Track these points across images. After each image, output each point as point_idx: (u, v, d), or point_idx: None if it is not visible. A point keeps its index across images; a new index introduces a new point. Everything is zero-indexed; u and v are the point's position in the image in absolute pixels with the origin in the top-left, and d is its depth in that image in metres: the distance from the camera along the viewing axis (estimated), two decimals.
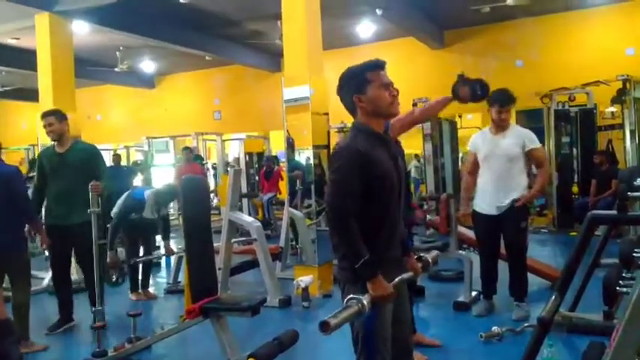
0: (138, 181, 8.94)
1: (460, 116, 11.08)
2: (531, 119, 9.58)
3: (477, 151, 4.11)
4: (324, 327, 1.67)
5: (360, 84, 2.02)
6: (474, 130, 13.52)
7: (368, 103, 2.01)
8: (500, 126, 4.02)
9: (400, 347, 2.08)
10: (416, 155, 12.34)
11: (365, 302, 1.79)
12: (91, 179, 3.95)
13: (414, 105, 8.38)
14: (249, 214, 8.94)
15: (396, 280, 1.96)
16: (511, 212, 3.93)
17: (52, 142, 4.30)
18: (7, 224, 3.71)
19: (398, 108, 2.07)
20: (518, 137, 4.00)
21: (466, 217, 4.27)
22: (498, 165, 3.97)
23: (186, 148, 8.99)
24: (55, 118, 4.23)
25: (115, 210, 4.97)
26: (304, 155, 5.79)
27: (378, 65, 2.05)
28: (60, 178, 4.18)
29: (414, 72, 10.92)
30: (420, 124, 9.08)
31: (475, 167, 4.14)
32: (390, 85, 2.04)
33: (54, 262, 4.37)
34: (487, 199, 4.02)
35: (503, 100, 3.94)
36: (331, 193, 1.96)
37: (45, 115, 4.29)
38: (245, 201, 9.89)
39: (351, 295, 1.82)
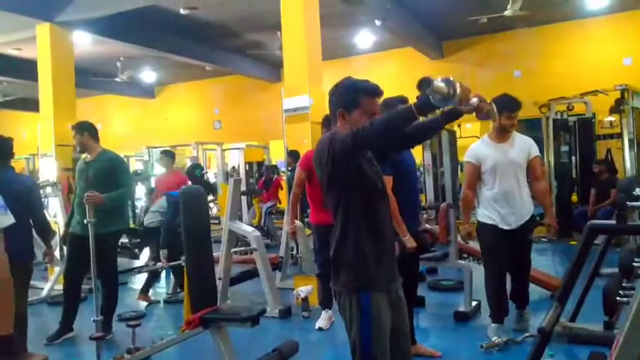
0: (138, 191, 8.94)
1: (459, 125, 11.12)
2: (530, 129, 9.58)
3: (482, 162, 3.80)
4: (424, 82, 1.70)
5: (350, 102, 2.03)
6: (473, 139, 13.63)
7: (348, 122, 2.03)
8: (504, 134, 3.80)
9: (399, 358, 2.07)
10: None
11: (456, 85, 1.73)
12: (114, 188, 3.95)
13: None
14: (249, 224, 8.93)
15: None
16: (526, 225, 3.78)
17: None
18: (21, 234, 3.68)
19: None
20: (523, 145, 3.83)
21: (470, 234, 3.95)
22: (509, 175, 3.75)
23: (166, 153, 6.51)
24: (76, 131, 4.32)
25: (157, 218, 5.04)
26: None
27: (374, 92, 2.06)
28: (82, 186, 4.19)
29: (413, 82, 10.88)
30: None
31: (476, 180, 3.85)
32: (374, 115, 2.04)
33: (69, 273, 4.32)
34: (499, 212, 3.76)
35: (513, 105, 3.76)
36: (346, 139, 1.92)
37: (72, 128, 4.44)
38: (244, 207, 9.88)
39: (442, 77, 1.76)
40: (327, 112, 2.13)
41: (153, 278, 5.68)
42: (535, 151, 3.85)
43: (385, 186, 2.12)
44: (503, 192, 3.74)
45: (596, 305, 2.81)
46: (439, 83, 1.74)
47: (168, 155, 6.38)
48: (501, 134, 3.81)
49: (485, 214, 3.81)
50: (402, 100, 3.49)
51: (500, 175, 3.75)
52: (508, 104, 3.72)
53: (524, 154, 3.79)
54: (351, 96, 2.03)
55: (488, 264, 3.87)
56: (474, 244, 4.57)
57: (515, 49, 10.32)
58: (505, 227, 3.74)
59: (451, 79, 1.75)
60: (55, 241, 5.28)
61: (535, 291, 4.63)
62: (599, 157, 8.46)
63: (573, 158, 8.63)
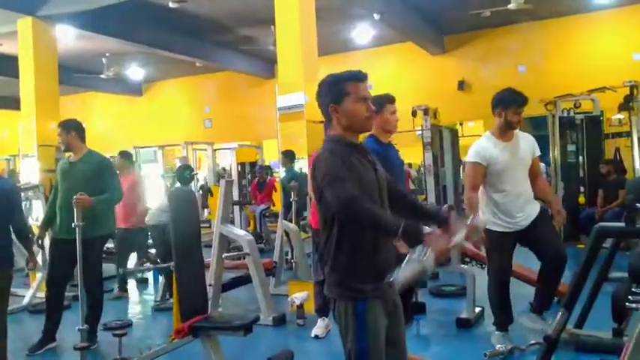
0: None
1: (461, 124, 11.16)
2: (535, 127, 9.63)
3: (490, 163, 3.66)
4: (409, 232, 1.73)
5: (338, 94, 2.05)
6: (477, 138, 13.67)
7: (342, 115, 2.04)
8: (510, 131, 3.71)
9: None
10: (409, 165, 12.37)
11: (427, 258, 1.76)
12: (100, 192, 3.93)
13: (414, 113, 8.43)
14: (240, 227, 8.93)
15: (457, 237, 1.92)
16: (540, 215, 3.70)
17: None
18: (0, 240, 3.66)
19: (372, 124, 2.13)
20: (529, 143, 3.77)
21: (483, 238, 3.67)
22: (519, 176, 3.69)
23: (121, 154, 6.24)
24: (62, 130, 4.31)
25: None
26: (298, 165, 5.81)
27: (358, 77, 2.07)
28: (67, 188, 4.15)
29: (413, 78, 11.00)
30: (420, 132, 9.14)
31: (481, 182, 3.71)
32: (367, 100, 2.06)
33: (51, 279, 4.28)
34: (509, 216, 3.67)
35: (520, 99, 3.66)
36: (333, 196, 1.91)
37: (58, 126, 4.42)
38: (237, 213, 9.88)
39: (412, 249, 1.80)
40: None
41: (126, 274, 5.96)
42: (538, 149, 3.82)
43: (384, 191, 2.10)
44: (514, 194, 3.66)
45: (605, 311, 2.82)
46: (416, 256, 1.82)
47: (123, 157, 6.20)
48: (507, 132, 3.71)
49: (492, 220, 3.67)
50: (389, 98, 3.50)
51: (510, 176, 3.67)
52: (515, 99, 3.65)
53: (530, 152, 3.76)
54: (336, 87, 2.06)
55: (494, 270, 3.82)
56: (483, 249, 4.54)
57: (519, 44, 10.36)
58: (515, 229, 3.67)
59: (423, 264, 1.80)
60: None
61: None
62: (607, 157, 8.49)
63: (580, 158, 8.65)
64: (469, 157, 3.74)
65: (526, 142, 3.78)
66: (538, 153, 3.82)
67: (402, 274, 1.73)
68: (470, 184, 3.76)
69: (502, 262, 3.78)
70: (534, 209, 3.73)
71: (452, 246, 1.86)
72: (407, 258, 1.81)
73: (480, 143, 3.78)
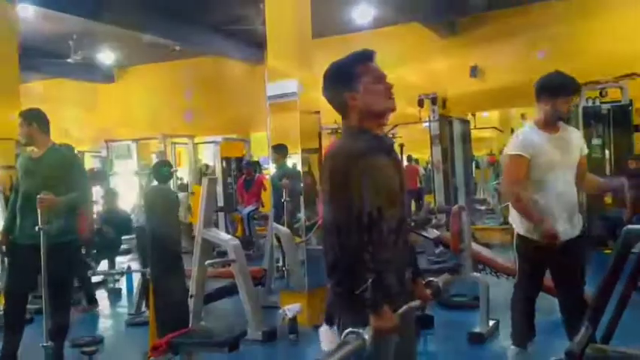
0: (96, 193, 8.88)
1: (474, 114, 11.18)
2: None
3: (534, 156, 3.49)
4: None
5: (350, 80, 2.03)
6: (491, 131, 13.74)
7: (361, 101, 2.03)
8: (557, 122, 3.56)
9: None
10: (409, 157, 12.45)
11: (366, 337, 1.77)
12: (66, 191, 3.93)
13: (420, 102, 8.44)
14: (227, 231, 8.93)
15: (402, 309, 1.95)
16: (577, 241, 3.58)
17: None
18: None
19: (394, 103, 2.07)
20: (576, 138, 3.64)
21: (556, 235, 3.42)
22: (566, 174, 3.54)
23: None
24: (23, 120, 4.22)
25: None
26: (291, 161, 5.80)
27: (366, 56, 2.07)
28: (29, 186, 4.10)
29: (420, 64, 11.00)
30: (427, 124, 9.17)
31: (523, 177, 3.51)
32: (383, 78, 2.06)
33: (11, 290, 4.22)
34: (555, 224, 3.47)
35: (573, 85, 3.55)
36: (330, 206, 1.94)
37: (18, 117, 4.31)
38: (222, 215, 9.88)
39: (350, 329, 1.80)
40: (320, 97, 2.13)
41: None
42: (585, 146, 3.70)
43: (405, 197, 2.11)
44: (558, 197, 3.50)
45: (634, 324, 2.85)
46: None
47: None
48: (554, 123, 3.56)
49: (528, 226, 3.54)
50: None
51: (556, 173, 3.51)
52: (565, 85, 3.53)
53: (578, 149, 3.62)
54: (346, 74, 2.05)
55: (524, 283, 3.75)
56: (499, 255, 4.57)
57: (539, 25, 10.36)
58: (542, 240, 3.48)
59: None
60: None
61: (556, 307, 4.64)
62: (637, 152, 8.52)
63: (607, 152, 8.69)
64: (510, 148, 3.60)
65: (575, 138, 3.65)
66: (586, 151, 3.69)
67: (335, 354, 1.73)
68: (512, 178, 3.62)
69: (535, 276, 3.68)
70: (577, 224, 3.60)
71: (395, 324, 1.88)
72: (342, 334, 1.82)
73: (523, 133, 3.65)
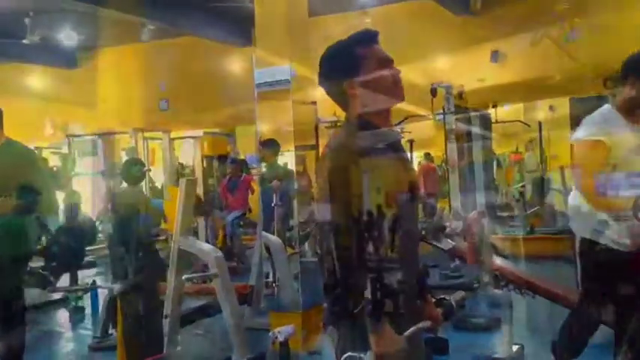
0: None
1: (495, 106, 11.19)
2: (590, 111, 9.67)
3: (614, 146, 3.36)
4: None
5: (351, 65, 2.02)
6: (515, 125, 13.73)
7: (363, 90, 2.03)
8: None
9: None
10: (426, 154, 12.47)
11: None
12: (23, 193, 3.91)
13: (433, 92, 8.45)
14: (207, 240, 8.92)
15: (409, 331, 1.96)
16: None
17: None
18: None
19: (402, 92, 2.06)
20: None
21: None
22: None
23: None
24: None
25: None
26: (282, 159, 5.81)
27: (370, 37, 2.07)
28: None
29: (432, 47, 11.02)
30: (441, 117, 9.17)
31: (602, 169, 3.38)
32: (389, 63, 2.06)
33: None
34: (627, 227, 3.27)
35: None
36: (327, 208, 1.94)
37: None
38: (202, 221, 9.87)
39: (349, 354, 1.80)
40: (315, 85, 2.13)
41: None
42: None
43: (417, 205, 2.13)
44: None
45: None
46: None
47: None
48: (638, 111, 3.43)
49: (598, 228, 3.38)
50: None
51: (630, 169, 3.34)
52: None
53: None
54: (346, 58, 2.04)
55: (587, 304, 3.68)
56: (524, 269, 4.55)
57: (570, 2, 10.36)
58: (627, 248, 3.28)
59: None
60: None
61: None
62: None
63: None
64: (582, 133, 3.49)
65: None
66: None
67: None
68: (587, 170, 3.42)
69: (602, 293, 3.52)
70: None
71: (399, 347, 1.89)
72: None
73: (599, 116, 3.53)
